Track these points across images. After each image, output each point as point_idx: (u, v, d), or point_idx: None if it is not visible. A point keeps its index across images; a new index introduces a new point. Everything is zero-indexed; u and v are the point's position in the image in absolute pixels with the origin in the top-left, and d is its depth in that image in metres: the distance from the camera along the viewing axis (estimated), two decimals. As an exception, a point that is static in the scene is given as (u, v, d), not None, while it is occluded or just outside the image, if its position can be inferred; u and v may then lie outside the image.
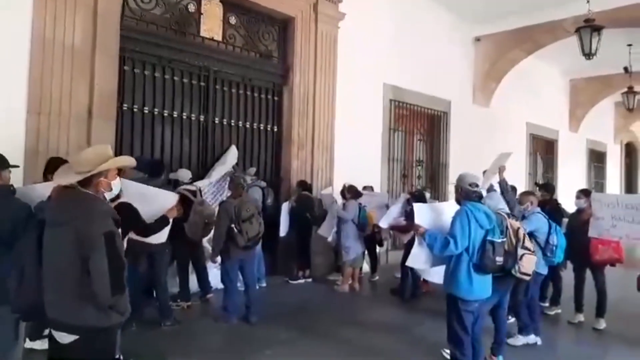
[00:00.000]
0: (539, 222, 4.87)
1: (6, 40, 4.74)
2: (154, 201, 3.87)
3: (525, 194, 5.47)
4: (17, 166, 3.28)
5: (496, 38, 10.75)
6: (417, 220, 3.94)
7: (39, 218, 2.57)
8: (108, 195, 2.70)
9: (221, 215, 5.06)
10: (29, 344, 3.84)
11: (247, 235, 4.98)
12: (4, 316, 2.87)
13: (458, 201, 3.94)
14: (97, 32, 5.26)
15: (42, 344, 3.99)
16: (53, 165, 4.22)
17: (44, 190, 3.17)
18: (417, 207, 4.14)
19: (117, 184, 2.73)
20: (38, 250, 2.43)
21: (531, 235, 4.73)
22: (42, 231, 2.43)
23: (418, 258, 4.02)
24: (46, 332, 3.85)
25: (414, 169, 10.08)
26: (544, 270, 4.96)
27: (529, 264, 3.91)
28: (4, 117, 4.66)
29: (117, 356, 2.73)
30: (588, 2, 8.05)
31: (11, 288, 2.49)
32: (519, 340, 4.83)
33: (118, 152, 5.42)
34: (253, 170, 7.01)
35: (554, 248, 4.78)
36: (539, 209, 5.11)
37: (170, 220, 3.93)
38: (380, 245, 7.84)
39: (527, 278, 4.06)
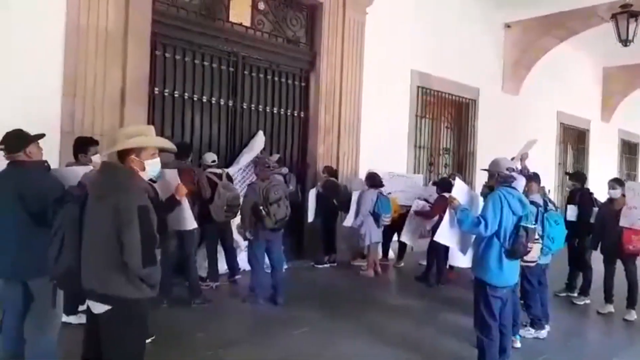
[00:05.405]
0: None
1: (42, 26, 4.87)
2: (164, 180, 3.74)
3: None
4: (43, 135, 3.25)
5: (527, 24, 10.51)
6: (454, 193, 3.88)
7: (81, 192, 2.63)
8: (144, 176, 2.64)
9: (248, 193, 5.19)
10: (65, 318, 3.92)
11: (274, 217, 5.04)
12: (42, 287, 3.01)
13: (491, 188, 3.90)
14: (129, 17, 5.33)
15: (77, 319, 4.15)
16: (80, 145, 4.39)
17: (79, 172, 3.24)
18: (457, 182, 4.13)
19: (153, 165, 2.66)
20: (79, 222, 2.51)
21: None
22: (84, 204, 2.51)
23: (446, 235, 3.95)
24: (82, 307, 4.01)
25: (440, 156, 9.99)
26: (546, 260, 4.77)
27: (535, 252, 3.88)
28: (41, 98, 4.81)
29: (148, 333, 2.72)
30: (625, -14, 7.83)
31: (50, 256, 2.56)
32: (530, 333, 4.70)
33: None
34: (276, 157, 7.00)
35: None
36: (537, 196, 4.82)
37: (183, 201, 3.61)
38: None
39: (532, 265, 4.20)
